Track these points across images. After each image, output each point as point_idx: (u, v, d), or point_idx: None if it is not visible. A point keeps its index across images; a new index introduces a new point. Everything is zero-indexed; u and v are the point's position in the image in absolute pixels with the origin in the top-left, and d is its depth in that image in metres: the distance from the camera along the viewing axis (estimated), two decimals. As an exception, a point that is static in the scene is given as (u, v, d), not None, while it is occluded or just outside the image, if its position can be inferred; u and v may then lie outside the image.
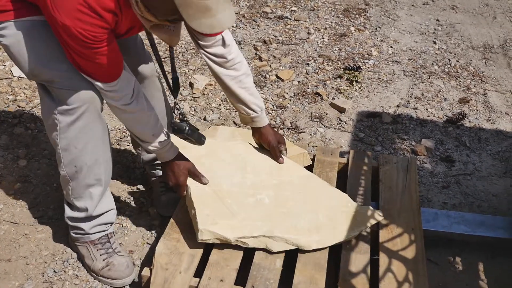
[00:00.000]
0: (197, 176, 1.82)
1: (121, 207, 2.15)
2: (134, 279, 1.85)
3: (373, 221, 1.84)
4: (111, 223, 1.89)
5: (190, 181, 1.82)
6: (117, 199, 2.17)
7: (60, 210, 2.02)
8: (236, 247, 1.73)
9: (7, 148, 2.39)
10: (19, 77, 2.84)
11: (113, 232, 1.92)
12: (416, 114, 2.87)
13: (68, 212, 1.82)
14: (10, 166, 2.30)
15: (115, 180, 2.27)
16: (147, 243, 2.02)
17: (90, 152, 1.69)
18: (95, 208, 1.79)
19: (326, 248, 1.76)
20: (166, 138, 1.72)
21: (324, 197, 1.90)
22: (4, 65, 2.92)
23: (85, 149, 1.68)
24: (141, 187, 2.26)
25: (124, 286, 1.84)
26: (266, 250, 1.73)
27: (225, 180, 1.85)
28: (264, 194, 1.84)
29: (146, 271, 1.69)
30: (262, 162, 1.95)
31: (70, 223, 1.83)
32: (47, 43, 1.54)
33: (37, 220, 2.07)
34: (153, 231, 2.06)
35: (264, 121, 1.95)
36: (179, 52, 3.26)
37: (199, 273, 1.67)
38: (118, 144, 2.49)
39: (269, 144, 1.98)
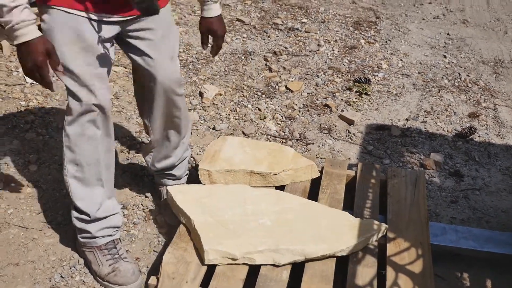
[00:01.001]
0: (53, 57, 1.52)
1: (129, 214, 2.16)
2: (140, 287, 1.86)
3: (378, 231, 1.84)
4: (118, 228, 1.90)
5: (192, 214, 1.83)
6: (125, 206, 2.18)
7: (69, 216, 2.03)
8: (243, 257, 1.73)
9: (18, 153, 2.42)
10: (31, 83, 2.87)
11: (119, 238, 1.94)
12: (425, 128, 2.86)
13: (74, 213, 1.85)
14: (21, 171, 2.32)
15: (124, 188, 2.28)
16: (154, 251, 2.02)
17: (90, 151, 1.73)
18: (98, 210, 1.82)
19: (334, 257, 1.76)
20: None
21: (326, 215, 1.92)
22: (18, 71, 2.96)
23: (85, 148, 1.73)
24: (149, 195, 2.27)
25: (130, 293, 1.85)
26: (273, 264, 1.73)
27: (226, 211, 1.88)
28: (266, 219, 1.87)
29: (152, 280, 1.69)
30: (261, 197, 1.98)
31: (77, 224, 1.85)
32: (71, 43, 1.59)
33: (46, 225, 2.08)
34: (160, 239, 2.07)
35: (214, 12, 1.85)
36: (190, 62, 3.29)
37: (205, 283, 1.67)
38: (127, 152, 2.51)
39: (215, 33, 1.87)
